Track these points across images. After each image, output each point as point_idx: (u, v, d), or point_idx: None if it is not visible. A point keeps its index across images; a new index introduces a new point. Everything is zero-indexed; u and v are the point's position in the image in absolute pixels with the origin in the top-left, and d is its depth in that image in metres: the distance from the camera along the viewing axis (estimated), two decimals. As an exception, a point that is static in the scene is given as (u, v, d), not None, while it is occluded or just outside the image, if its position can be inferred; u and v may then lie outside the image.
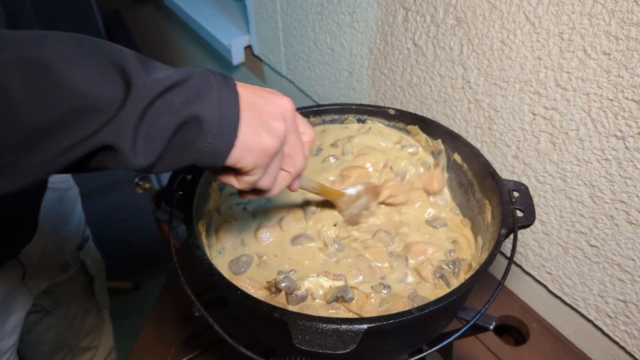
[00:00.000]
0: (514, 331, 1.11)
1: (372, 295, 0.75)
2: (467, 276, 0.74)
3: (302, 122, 0.64)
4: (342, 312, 0.76)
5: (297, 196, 0.92)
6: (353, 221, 0.90)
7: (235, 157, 0.53)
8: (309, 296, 0.76)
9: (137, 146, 0.46)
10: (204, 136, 0.50)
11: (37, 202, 1.01)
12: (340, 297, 0.75)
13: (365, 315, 0.73)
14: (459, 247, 0.87)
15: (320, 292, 0.77)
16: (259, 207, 0.92)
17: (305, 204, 0.91)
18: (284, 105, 0.58)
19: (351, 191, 0.89)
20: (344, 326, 0.62)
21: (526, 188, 0.82)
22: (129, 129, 0.45)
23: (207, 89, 0.51)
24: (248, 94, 0.55)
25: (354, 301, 0.75)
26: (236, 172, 0.58)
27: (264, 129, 0.55)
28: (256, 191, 0.63)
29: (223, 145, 0.52)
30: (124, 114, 0.45)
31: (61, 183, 1.17)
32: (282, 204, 0.92)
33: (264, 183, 0.60)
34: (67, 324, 1.31)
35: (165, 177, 2.85)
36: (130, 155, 0.46)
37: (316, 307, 0.75)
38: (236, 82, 0.55)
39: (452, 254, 0.85)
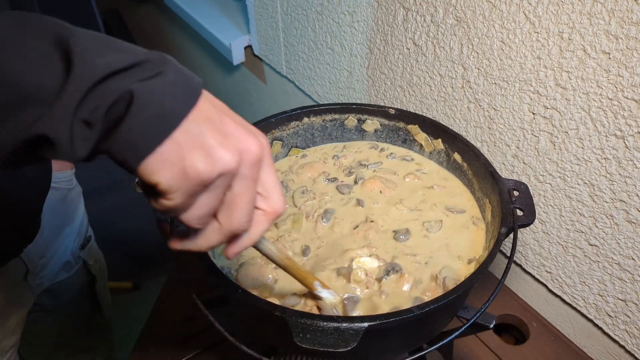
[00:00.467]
0: (514, 330, 1.11)
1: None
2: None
3: (272, 183, 0.52)
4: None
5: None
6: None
7: (151, 165, 0.43)
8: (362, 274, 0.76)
9: (75, 136, 0.40)
10: (127, 120, 0.41)
11: (40, 201, 1.01)
12: (391, 270, 0.76)
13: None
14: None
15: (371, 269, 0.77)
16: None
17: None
18: (250, 143, 0.47)
19: (325, 294, 0.74)
20: (344, 324, 0.63)
21: (526, 187, 0.82)
22: (66, 118, 0.40)
23: (159, 75, 0.43)
24: (209, 109, 0.46)
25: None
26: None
27: (202, 149, 0.44)
28: (181, 234, 0.53)
29: (143, 142, 0.42)
30: (60, 102, 0.39)
31: (64, 182, 1.17)
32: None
33: (187, 217, 0.47)
34: (68, 323, 1.31)
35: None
36: (67, 147, 0.40)
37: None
38: (210, 96, 0.47)
39: None
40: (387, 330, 0.68)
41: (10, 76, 0.39)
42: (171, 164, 0.43)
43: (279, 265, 0.67)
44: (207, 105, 0.46)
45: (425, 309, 0.64)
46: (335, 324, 0.63)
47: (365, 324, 0.62)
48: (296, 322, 0.63)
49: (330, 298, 0.74)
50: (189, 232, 0.52)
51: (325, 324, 0.63)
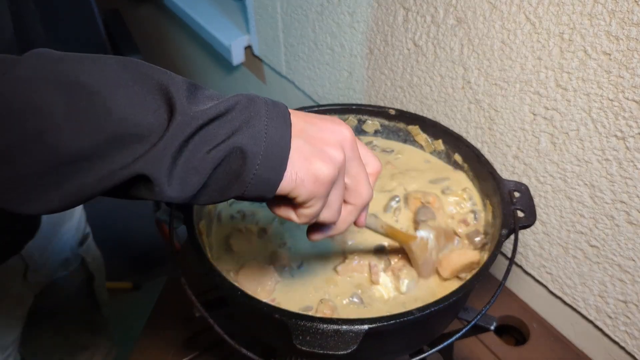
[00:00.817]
0: (514, 331, 1.11)
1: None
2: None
3: (366, 152, 0.59)
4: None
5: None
6: (428, 272, 0.81)
7: (287, 187, 0.50)
8: None
9: (174, 178, 0.44)
10: (249, 167, 0.47)
11: None
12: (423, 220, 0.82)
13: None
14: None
15: None
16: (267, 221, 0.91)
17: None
18: (342, 132, 0.54)
19: (423, 234, 0.81)
20: (344, 327, 0.62)
21: (527, 188, 0.82)
22: (167, 159, 0.44)
23: (254, 117, 0.48)
24: (298, 121, 0.52)
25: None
26: (294, 204, 0.54)
27: (317, 156, 0.51)
28: (321, 228, 0.60)
29: (271, 175, 0.49)
30: (163, 143, 0.43)
31: None
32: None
33: (325, 216, 0.55)
34: (67, 322, 1.31)
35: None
36: (166, 187, 0.44)
37: None
38: (291, 109, 0.53)
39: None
40: (388, 333, 0.67)
41: (119, 114, 0.42)
42: (301, 180, 0.50)
43: (380, 233, 0.75)
44: (295, 119, 0.52)
45: (426, 311, 0.64)
46: (335, 327, 0.62)
47: (366, 327, 0.62)
48: (296, 325, 0.63)
49: (428, 235, 0.81)
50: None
51: (325, 326, 0.63)
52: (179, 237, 1.94)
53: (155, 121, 0.44)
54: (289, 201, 0.53)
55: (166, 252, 2.53)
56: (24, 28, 0.84)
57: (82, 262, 1.28)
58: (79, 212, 1.26)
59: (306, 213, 0.53)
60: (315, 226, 0.60)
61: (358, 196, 0.57)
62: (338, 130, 0.54)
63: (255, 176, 0.48)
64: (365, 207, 0.60)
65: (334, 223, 0.58)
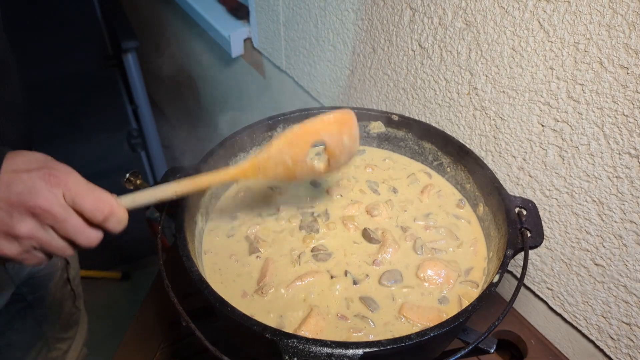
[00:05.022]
0: (512, 347, 1.08)
1: None
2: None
3: (89, 196, 0.63)
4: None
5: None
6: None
7: None
8: None
9: None
10: None
11: None
12: None
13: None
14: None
15: None
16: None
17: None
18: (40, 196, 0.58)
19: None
20: (338, 350, 0.59)
21: (534, 206, 0.78)
22: None
23: None
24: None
25: None
26: None
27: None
28: None
29: None
30: None
31: None
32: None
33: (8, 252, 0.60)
34: (43, 313, 1.28)
35: (159, 169, 2.81)
36: None
37: None
38: (11, 156, 0.58)
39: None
40: (383, 357, 0.64)
41: None
42: None
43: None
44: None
45: (425, 337, 0.61)
46: (329, 350, 0.59)
47: (361, 351, 0.59)
48: (287, 346, 0.60)
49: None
50: None
51: (318, 349, 0.59)
52: (165, 233, 1.90)
53: None
54: None
55: (156, 250, 2.50)
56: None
57: None
58: None
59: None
60: None
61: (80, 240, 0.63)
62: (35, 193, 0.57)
63: None
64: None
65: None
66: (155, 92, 3.24)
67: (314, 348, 0.59)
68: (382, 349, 0.59)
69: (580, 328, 0.99)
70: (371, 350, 0.59)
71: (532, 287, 1.05)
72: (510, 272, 1.07)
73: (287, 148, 0.73)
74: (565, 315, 1.00)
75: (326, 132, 0.73)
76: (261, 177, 0.75)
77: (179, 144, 3.24)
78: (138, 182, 1.45)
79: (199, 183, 0.74)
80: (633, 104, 0.75)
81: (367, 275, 0.79)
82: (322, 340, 0.60)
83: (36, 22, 2.14)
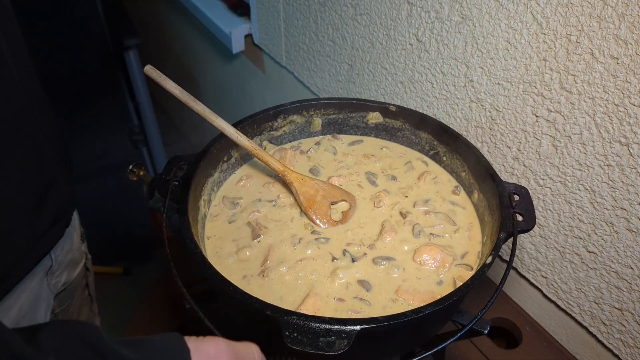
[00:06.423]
0: (506, 334, 1.10)
1: None
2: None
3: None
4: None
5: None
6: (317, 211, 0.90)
7: None
8: None
9: None
10: None
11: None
12: None
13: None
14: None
15: None
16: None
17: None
18: None
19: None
20: (336, 326, 0.61)
21: (527, 192, 0.80)
22: None
23: None
24: None
25: None
26: None
27: None
28: None
29: None
30: None
31: None
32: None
33: None
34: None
35: (161, 165, 2.83)
36: None
37: None
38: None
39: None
40: (380, 334, 0.66)
41: None
42: None
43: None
44: None
45: (420, 314, 0.63)
46: (327, 326, 0.61)
47: (358, 327, 0.61)
48: (287, 322, 0.62)
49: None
50: None
51: (317, 325, 0.61)
52: (172, 225, 1.92)
53: None
54: None
55: (158, 239, 2.51)
56: None
57: (85, 258, 1.23)
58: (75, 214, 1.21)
59: None
60: None
61: None
62: None
63: None
64: None
65: None
66: (156, 89, 3.26)
67: (313, 324, 0.61)
68: (378, 325, 0.62)
69: (573, 315, 1.01)
70: (368, 326, 0.61)
71: (527, 275, 1.08)
72: (505, 261, 1.10)
73: (327, 189, 0.91)
74: (559, 303, 1.03)
75: (354, 202, 0.92)
76: (296, 185, 0.89)
77: (180, 140, 3.26)
78: (141, 173, 1.48)
79: (254, 149, 0.88)
80: (623, 93, 0.77)
81: (365, 254, 0.81)
82: (321, 317, 0.62)
83: (38, 20, 2.16)
